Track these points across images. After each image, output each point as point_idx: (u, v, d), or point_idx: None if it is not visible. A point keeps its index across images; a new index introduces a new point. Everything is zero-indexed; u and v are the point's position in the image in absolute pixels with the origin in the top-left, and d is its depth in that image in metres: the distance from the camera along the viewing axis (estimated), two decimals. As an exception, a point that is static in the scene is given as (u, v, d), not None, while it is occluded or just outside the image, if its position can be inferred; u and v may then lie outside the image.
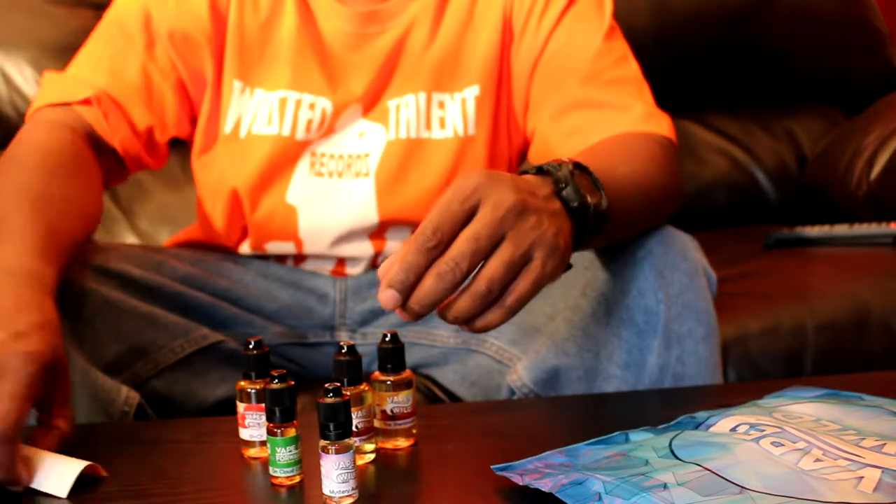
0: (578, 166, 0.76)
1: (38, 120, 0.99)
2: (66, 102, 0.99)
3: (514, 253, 0.66)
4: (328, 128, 1.06)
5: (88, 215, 0.93)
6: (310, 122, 1.05)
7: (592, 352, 0.89)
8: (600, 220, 0.76)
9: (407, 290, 0.65)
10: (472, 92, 1.06)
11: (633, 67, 1.06)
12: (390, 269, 0.66)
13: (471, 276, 0.66)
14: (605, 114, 1.01)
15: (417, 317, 0.66)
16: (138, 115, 1.02)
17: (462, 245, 0.65)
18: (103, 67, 1.02)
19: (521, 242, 0.66)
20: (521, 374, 0.93)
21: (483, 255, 0.65)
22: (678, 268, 0.88)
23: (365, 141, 1.06)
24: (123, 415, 0.89)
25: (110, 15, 1.07)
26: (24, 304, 0.71)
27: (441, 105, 1.06)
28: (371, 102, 1.07)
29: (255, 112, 1.05)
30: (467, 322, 0.68)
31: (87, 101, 0.99)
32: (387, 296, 0.66)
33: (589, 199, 0.74)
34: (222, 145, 1.07)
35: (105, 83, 1.01)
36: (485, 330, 0.68)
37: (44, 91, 1.02)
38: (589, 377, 0.89)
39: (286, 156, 1.05)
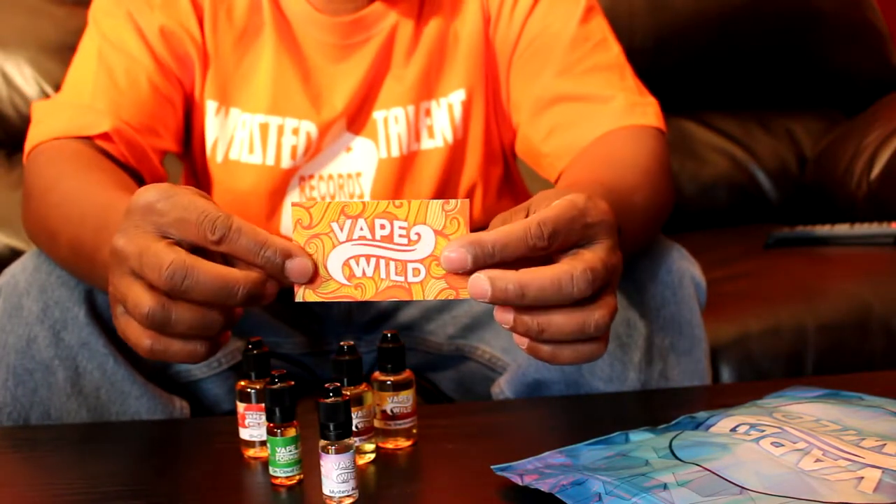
0: None
1: (51, 150, 0.91)
2: (83, 136, 0.92)
3: (614, 308, 0.60)
4: (315, 150, 1.01)
5: None
6: (294, 149, 1.00)
7: (574, 365, 0.88)
8: None
9: (481, 261, 0.57)
10: (458, 97, 1.02)
11: (613, 51, 1.01)
12: (473, 236, 0.57)
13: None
14: (585, 107, 0.97)
15: (484, 292, 0.57)
16: (158, 142, 0.98)
17: (595, 269, 0.58)
18: (113, 93, 0.95)
19: (614, 303, 0.60)
20: (503, 386, 0.93)
21: (596, 289, 0.58)
22: (660, 280, 0.87)
23: (354, 158, 1.02)
24: None
25: (98, 34, 0.98)
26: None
27: (428, 112, 1.03)
28: (356, 115, 1.02)
29: (231, 135, 1.01)
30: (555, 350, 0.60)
31: (106, 137, 0.92)
32: (457, 255, 0.57)
33: None
34: (205, 167, 1.03)
35: (121, 112, 0.94)
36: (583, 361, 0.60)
37: (45, 123, 0.94)
38: (571, 391, 0.88)
39: (274, 185, 1.01)
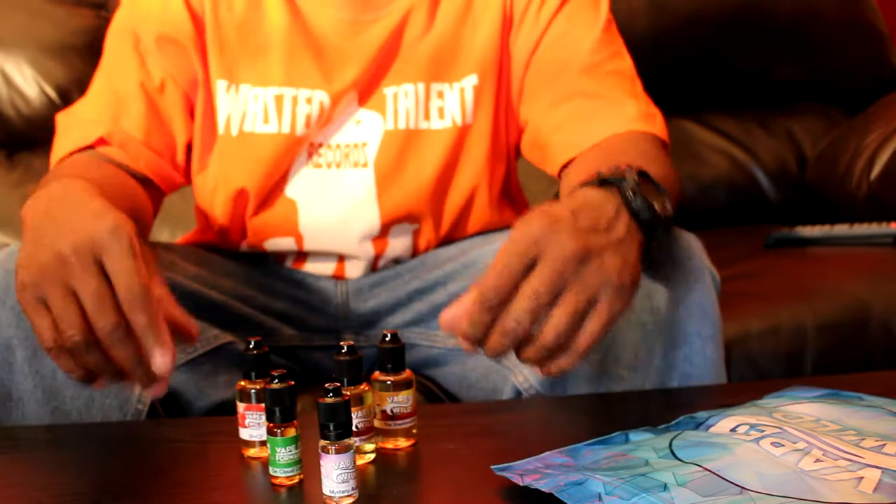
0: (641, 173, 0.75)
1: (70, 162, 1.01)
2: (84, 147, 1.01)
3: (578, 302, 0.66)
4: (326, 119, 1.05)
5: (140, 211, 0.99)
6: (308, 117, 1.04)
7: (599, 353, 0.88)
8: (666, 227, 0.76)
9: (478, 343, 0.68)
10: (470, 81, 1.06)
11: (627, 62, 1.07)
12: (461, 324, 0.68)
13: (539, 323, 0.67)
14: (600, 105, 1.01)
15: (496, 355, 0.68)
16: (156, 141, 1.04)
17: (523, 304, 0.66)
18: (110, 103, 1.04)
19: (584, 290, 0.66)
20: (527, 375, 0.93)
21: (544, 309, 0.66)
22: (684, 267, 0.87)
23: (362, 129, 1.06)
24: (137, 413, 0.89)
25: (107, 52, 1.08)
26: (96, 201, 0.75)
27: (440, 95, 1.06)
28: (367, 90, 1.06)
29: (244, 109, 1.05)
30: (539, 365, 0.69)
31: (102, 141, 1.01)
32: (462, 346, 0.69)
33: (657, 206, 0.74)
34: (220, 146, 1.07)
35: (115, 120, 1.03)
36: (559, 373, 0.69)
37: (61, 138, 1.04)
38: (595, 379, 0.88)
39: (287, 152, 1.05)
